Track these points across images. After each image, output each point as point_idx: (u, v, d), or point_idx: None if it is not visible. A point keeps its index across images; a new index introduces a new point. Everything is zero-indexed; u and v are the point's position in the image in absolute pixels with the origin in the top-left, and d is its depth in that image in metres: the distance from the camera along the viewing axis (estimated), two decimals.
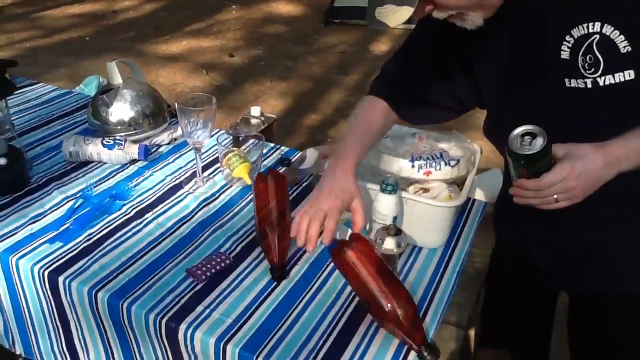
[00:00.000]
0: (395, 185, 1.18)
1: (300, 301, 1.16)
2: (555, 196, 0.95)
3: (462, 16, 1.00)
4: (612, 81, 0.93)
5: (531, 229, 1.22)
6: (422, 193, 1.33)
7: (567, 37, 0.95)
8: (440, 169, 1.33)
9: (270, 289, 1.19)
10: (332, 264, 1.25)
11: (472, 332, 1.40)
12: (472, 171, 1.38)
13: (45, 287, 1.22)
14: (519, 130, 0.94)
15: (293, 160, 1.68)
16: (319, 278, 1.23)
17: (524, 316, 1.41)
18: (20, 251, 1.25)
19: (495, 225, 1.40)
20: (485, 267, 1.32)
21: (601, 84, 0.94)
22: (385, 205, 1.19)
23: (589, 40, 0.93)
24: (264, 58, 5.52)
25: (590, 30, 0.92)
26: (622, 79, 0.92)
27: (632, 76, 0.91)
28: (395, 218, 1.20)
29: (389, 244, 1.09)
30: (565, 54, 0.96)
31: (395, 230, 1.11)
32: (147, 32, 6.38)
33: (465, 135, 1.47)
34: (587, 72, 0.94)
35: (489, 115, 1.23)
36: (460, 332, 1.13)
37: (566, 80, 0.98)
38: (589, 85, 0.95)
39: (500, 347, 1.45)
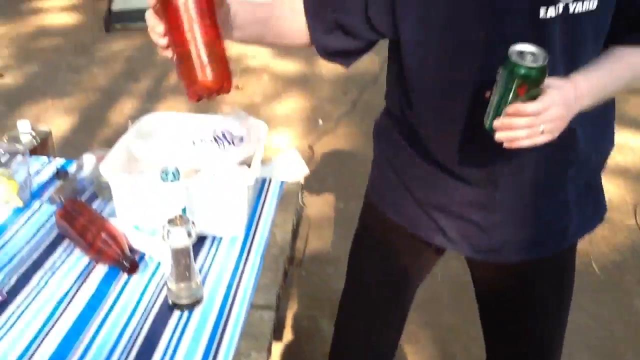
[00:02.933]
0: (176, 172, 1.10)
1: (96, 318, 1.05)
2: (542, 127, 0.89)
3: None
4: (580, 9, 0.91)
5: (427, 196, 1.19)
6: (210, 177, 1.26)
7: None
8: (225, 149, 1.28)
9: (58, 315, 1.05)
10: (125, 277, 1.15)
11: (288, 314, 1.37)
12: (260, 148, 1.34)
13: None
14: (518, 47, 0.88)
15: (71, 171, 1.51)
16: (112, 292, 1.11)
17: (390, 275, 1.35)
18: None
19: (371, 197, 1.31)
20: (287, 243, 1.29)
21: (570, 11, 0.91)
22: (169, 196, 1.11)
23: None
24: (40, 74, 5.05)
25: None
26: (587, 8, 0.92)
27: (595, 6, 0.92)
28: (184, 209, 1.12)
29: (177, 236, 1.01)
30: None
31: (182, 220, 1.03)
32: None
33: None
34: None
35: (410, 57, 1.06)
36: (271, 314, 1.08)
37: (542, 9, 0.92)
38: (561, 11, 0.91)
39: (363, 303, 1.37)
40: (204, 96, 0.93)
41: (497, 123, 0.90)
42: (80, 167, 1.47)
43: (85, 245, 1.18)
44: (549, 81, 0.89)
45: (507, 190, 1.10)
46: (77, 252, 1.21)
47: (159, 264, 1.18)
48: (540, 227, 1.16)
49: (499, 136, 0.91)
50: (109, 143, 3.81)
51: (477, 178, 1.10)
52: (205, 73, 0.90)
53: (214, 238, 1.26)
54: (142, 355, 0.98)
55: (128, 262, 1.14)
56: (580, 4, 0.92)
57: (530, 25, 0.94)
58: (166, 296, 1.09)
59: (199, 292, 1.09)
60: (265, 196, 1.43)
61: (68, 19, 6.96)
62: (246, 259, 1.21)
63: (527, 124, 0.88)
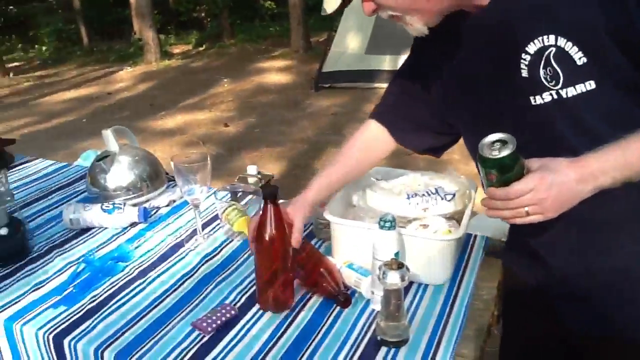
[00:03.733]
0: (393, 221, 1.19)
1: (312, 341, 1.15)
2: (526, 209, 0.93)
3: (401, 19, 1.03)
4: (575, 92, 0.94)
5: (546, 264, 1.18)
6: (422, 229, 1.33)
7: (524, 55, 0.97)
8: (437, 204, 1.35)
9: (279, 334, 1.18)
10: (337, 308, 1.25)
11: None
12: (469, 205, 1.39)
13: (51, 352, 1.20)
14: (489, 138, 0.95)
15: None
16: (329, 316, 1.22)
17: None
18: (24, 318, 1.25)
19: (506, 261, 1.37)
20: (492, 298, 1.31)
21: (564, 95, 0.95)
22: (385, 241, 1.20)
23: (546, 53, 0.94)
24: (258, 125, 5.64)
25: (546, 43, 0.94)
26: (584, 90, 0.93)
27: (593, 86, 0.93)
28: (397, 254, 1.20)
29: (393, 278, 1.09)
30: (524, 72, 0.98)
31: (397, 264, 1.11)
32: (142, 110, 6.54)
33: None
34: (550, 84, 0.95)
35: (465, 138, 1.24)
36: None
37: (531, 98, 0.98)
38: (555, 97, 0.96)
39: None
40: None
41: (482, 202, 0.99)
42: None
43: (304, 276, 1.32)
44: (544, 163, 0.93)
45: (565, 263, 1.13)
46: (296, 282, 1.35)
47: (368, 301, 1.27)
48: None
49: (486, 212, 0.99)
50: None
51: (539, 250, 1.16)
52: (261, 300, 1.26)
53: (419, 284, 1.32)
54: None
55: (342, 296, 1.25)
56: (572, 88, 0.93)
57: (524, 111, 1.00)
58: (374, 332, 1.17)
59: (405, 332, 1.15)
60: (471, 251, 1.47)
61: (282, 78, 7.72)
62: (451, 308, 1.25)
63: (502, 206, 0.95)
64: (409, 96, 1.30)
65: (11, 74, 9.82)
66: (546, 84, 0.96)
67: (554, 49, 0.94)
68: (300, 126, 5.50)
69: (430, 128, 1.31)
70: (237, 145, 5.01)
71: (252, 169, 2.13)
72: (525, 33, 0.97)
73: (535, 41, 0.95)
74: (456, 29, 1.07)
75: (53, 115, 6.63)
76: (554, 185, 0.92)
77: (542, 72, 0.96)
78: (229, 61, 9.53)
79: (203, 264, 1.44)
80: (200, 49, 11.39)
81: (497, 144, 0.94)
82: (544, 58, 0.95)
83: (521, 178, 0.93)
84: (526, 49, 0.97)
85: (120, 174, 1.72)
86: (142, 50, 10.33)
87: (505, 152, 0.92)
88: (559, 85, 0.94)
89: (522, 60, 0.97)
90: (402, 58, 1.33)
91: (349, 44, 6.80)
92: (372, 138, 1.40)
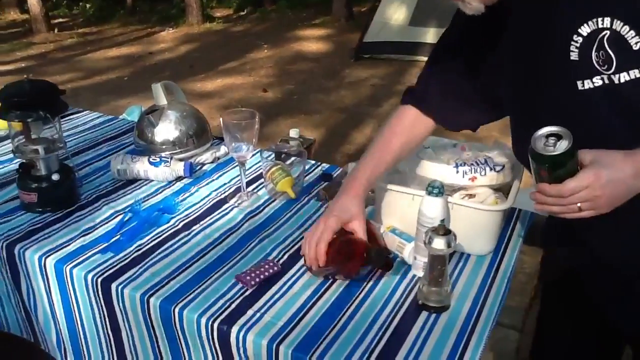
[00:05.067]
0: (441, 187, 1.18)
1: (352, 303, 1.16)
2: (578, 204, 0.91)
3: None
4: (628, 78, 0.89)
5: (585, 251, 1.15)
6: (468, 199, 1.32)
7: (575, 37, 0.92)
8: (485, 174, 1.33)
9: (320, 293, 1.19)
10: (378, 272, 1.26)
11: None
12: (518, 177, 1.37)
13: (98, 295, 1.24)
14: (543, 130, 0.91)
15: (334, 175, 1.69)
16: (370, 280, 1.23)
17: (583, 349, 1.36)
18: (74, 261, 1.28)
19: (545, 245, 1.35)
20: (535, 272, 1.29)
21: (616, 81, 0.90)
22: (432, 208, 1.19)
23: (600, 36, 0.90)
24: (296, 92, 5.63)
25: (600, 26, 0.89)
26: (638, 76, 0.88)
27: None
28: (442, 221, 1.19)
29: (439, 244, 1.09)
30: (574, 55, 0.93)
31: (444, 230, 1.10)
32: (182, 72, 6.58)
33: None
34: (602, 68, 0.91)
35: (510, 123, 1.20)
36: (515, 334, 1.10)
37: (578, 83, 0.94)
38: (606, 82, 0.91)
39: None
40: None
41: (531, 195, 0.96)
42: (345, 173, 1.64)
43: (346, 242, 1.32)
44: (597, 157, 0.89)
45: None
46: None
47: (409, 267, 1.27)
48: None
49: (535, 207, 0.97)
50: (349, 158, 4.11)
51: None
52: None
53: (462, 254, 1.32)
54: (390, 344, 1.06)
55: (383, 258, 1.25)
56: (625, 74, 0.88)
57: (570, 95, 0.95)
58: (414, 297, 1.18)
59: (447, 298, 1.15)
60: (515, 224, 1.45)
61: (321, 47, 7.65)
62: (493, 279, 1.24)
63: (554, 202, 0.93)
64: (450, 72, 1.25)
65: (56, 30, 9.95)
66: (598, 67, 0.91)
67: (608, 32, 0.89)
68: (339, 95, 5.47)
69: (473, 104, 1.26)
70: (275, 111, 5.01)
71: (294, 132, 2.14)
72: (579, 14, 0.92)
73: (590, 22, 0.91)
74: (504, 6, 1.03)
75: (95, 72, 6.72)
76: (610, 182, 0.89)
77: (594, 55, 0.91)
78: (270, 27, 9.48)
79: (246, 221, 1.46)
80: (242, 13, 11.35)
81: (551, 138, 0.90)
82: (597, 41, 0.91)
83: (574, 173, 0.90)
84: (579, 30, 0.92)
85: (168, 128, 1.74)
86: (184, 12, 10.34)
87: (561, 149, 0.88)
88: (612, 70, 0.90)
89: (572, 43, 0.93)
90: None
91: (393, 14, 6.69)
92: (411, 124, 1.33)
